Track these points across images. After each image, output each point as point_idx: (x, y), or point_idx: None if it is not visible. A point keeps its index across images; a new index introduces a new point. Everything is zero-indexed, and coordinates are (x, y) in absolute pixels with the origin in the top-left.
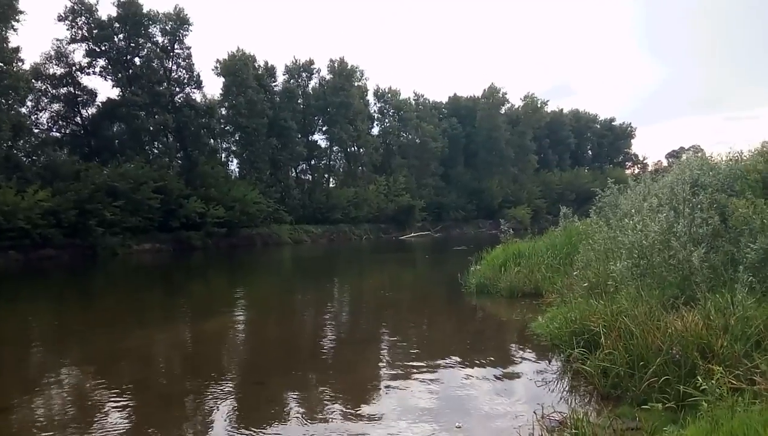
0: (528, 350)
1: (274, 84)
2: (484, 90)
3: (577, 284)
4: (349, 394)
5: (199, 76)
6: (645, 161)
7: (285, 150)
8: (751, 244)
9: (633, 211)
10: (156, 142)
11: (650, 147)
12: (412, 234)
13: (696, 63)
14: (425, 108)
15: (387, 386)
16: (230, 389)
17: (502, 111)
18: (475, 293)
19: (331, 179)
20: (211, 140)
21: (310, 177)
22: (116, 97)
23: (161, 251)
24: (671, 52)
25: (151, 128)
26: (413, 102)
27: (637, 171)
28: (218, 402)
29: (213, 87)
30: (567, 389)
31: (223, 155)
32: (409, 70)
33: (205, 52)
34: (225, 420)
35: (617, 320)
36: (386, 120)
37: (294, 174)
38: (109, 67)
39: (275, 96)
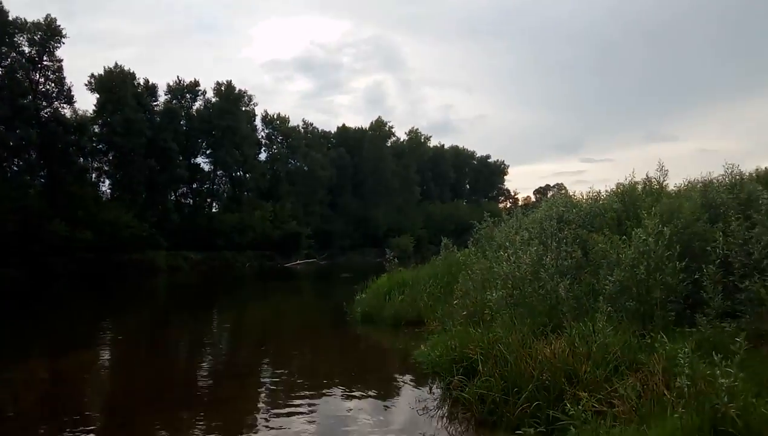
0: (410, 379)
1: (154, 103)
2: (372, 122)
3: (456, 313)
4: (223, 430)
5: (70, 91)
6: (516, 196)
7: (164, 172)
8: (609, 276)
9: (507, 243)
10: (16, 159)
11: (520, 184)
12: (298, 261)
13: (557, 110)
14: (314, 136)
15: (265, 421)
16: (90, 428)
17: (389, 143)
18: (359, 321)
19: (214, 204)
20: (81, 159)
21: (191, 201)
22: None
23: (15, 280)
24: (537, 99)
25: (12, 144)
26: (302, 130)
27: (509, 205)
28: None
29: (87, 103)
30: (446, 416)
31: (94, 175)
32: (297, 99)
33: (80, 66)
34: None
35: (493, 347)
36: (274, 146)
37: (173, 197)
38: None
39: (155, 116)
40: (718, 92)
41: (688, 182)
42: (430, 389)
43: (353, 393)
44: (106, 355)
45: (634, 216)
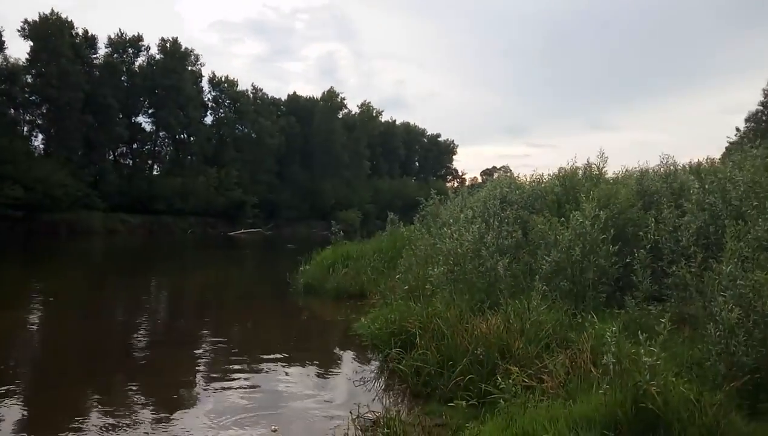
0: (349, 351)
1: (94, 56)
2: (324, 93)
3: (398, 287)
4: (158, 397)
5: (1, 36)
6: (464, 176)
7: (102, 129)
8: (546, 256)
9: (451, 220)
10: None
11: (468, 164)
12: (243, 231)
13: (507, 94)
14: (263, 103)
15: (203, 389)
16: (17, 396)
17: (340, 116)
18: (302, 293)
19: (155, 166)
20: (12, 110)
21: (131, 162)
22: None
23: None
24: (489, 81)
25: None
26: (251, 95)
27: (456, 185)
28: (1, 412)
29: (19, 51)
30: (383, 388)
31: (26, 129)
32: (247, 62)
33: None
34: (9, 432)
35: (432, 321)
36: (221, 110)
37: (112, 157)
38: None
39: (94, 69)
40: (659, 86)
41: (626, 170)
42: (369, 360)
43: (291, 363)
44: (34, 317)
45: (574, 200)
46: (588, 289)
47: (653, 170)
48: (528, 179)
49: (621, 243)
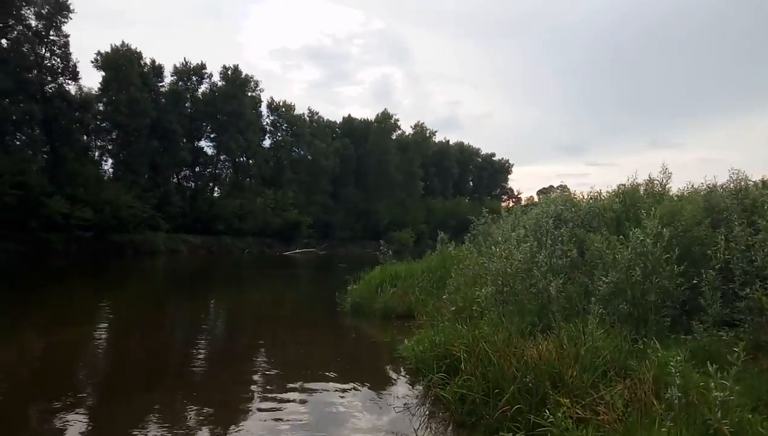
0: (393, 374)
1: (160, 84)
2: (378, 114)
3: (445, 308)
4: (212, 414)
5: (76, 67)
6: (519, 196)
7: (167, 154)
8: (603, 277)
9: (501, 239)
10: (19, 134)
11: (524, 184)
12: (297, 250)
13: (564, 112)
14: (319, 126)
15: (251, 411)
16: (82, 406)
17: (393, 136)
18: (350, 313)
19: (216, 189)
20: (84, 137)
21: (193, 184)
22: None
23: (14, 253)
24: (544, 100)
25: (15, 118)
26: (307, 118)
27: (512, 204)
28: (67, 421)
29: (92, 81)
30: (426, 415)
31: (97, 154)
32: (304, 88)
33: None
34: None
35: (478, 345)
36: (278, 134)
37: (176, 180)
38: None
39: (161, 97)
40: (724, 103)
41: (692, 187)
42: (413, 385)
43: (333, 389)
44: (101, 332)
45: (634, 217)
46: (650, 312)
47: (722, 186)
48: (585, 197)
49: (687, 263)
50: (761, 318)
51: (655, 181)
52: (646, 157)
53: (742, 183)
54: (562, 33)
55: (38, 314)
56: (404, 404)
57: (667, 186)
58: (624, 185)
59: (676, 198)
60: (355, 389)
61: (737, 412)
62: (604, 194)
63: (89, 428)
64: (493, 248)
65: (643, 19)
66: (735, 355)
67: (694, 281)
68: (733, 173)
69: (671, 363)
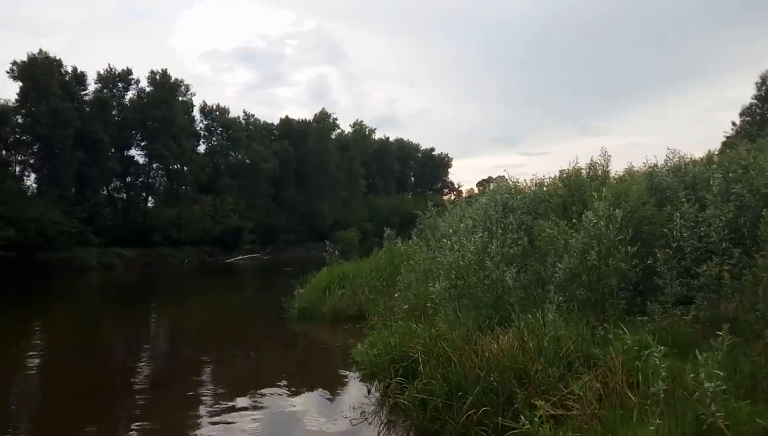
0: (347, 381)
1: (83, 93)
2: (316, 114)
3: (397, 307)
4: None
5: None
6: (460, 189)
7: (95, 165)
8: (558, 263)
9: (451, 231)
10: None
11: (464, 177)
12: (240, 257)
13: (499, 105)
14: (256, 128)
15: (196, 431)
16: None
17: (333, 136)
18: (297, 318)
19: (150, 198)
20: (3, 151)
21: (125, 195)
22: None
23: None
24: (480, 94)
25: None
26: (243, 121)
27: (453, 197)
28: None
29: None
30: (384, 424)
31: (17, 169)
32: (238, 91)
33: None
34: None
35: (436, 344)
36: (213, 138)
37: (106, 192)
38: None
39: (85, 106)
40: (649, 88)
41: (629, 171)
42: (369, 391)
43: (284, 402)
44: (33, 358)
45: (580, 201)
46: (607, 297)
47: (662, 167)
48: (529, 184)
49: (639, 244)
50: (719, 294)
51: (597, 165)
52: (578, 144)
53: (680, 161)
54: (494, 27)
55: None
56: (361, 413)
57: (607, 169)
58: (566, 171)
59: (617, 181)
60: (307, 399)
61: (732, 404)
62: (547, 181)
63: None
64: (443, 241)
65: (571, 9)
66: (720, 339)
67: (649, 261)
68: (670, 153)
69: (655, 354)
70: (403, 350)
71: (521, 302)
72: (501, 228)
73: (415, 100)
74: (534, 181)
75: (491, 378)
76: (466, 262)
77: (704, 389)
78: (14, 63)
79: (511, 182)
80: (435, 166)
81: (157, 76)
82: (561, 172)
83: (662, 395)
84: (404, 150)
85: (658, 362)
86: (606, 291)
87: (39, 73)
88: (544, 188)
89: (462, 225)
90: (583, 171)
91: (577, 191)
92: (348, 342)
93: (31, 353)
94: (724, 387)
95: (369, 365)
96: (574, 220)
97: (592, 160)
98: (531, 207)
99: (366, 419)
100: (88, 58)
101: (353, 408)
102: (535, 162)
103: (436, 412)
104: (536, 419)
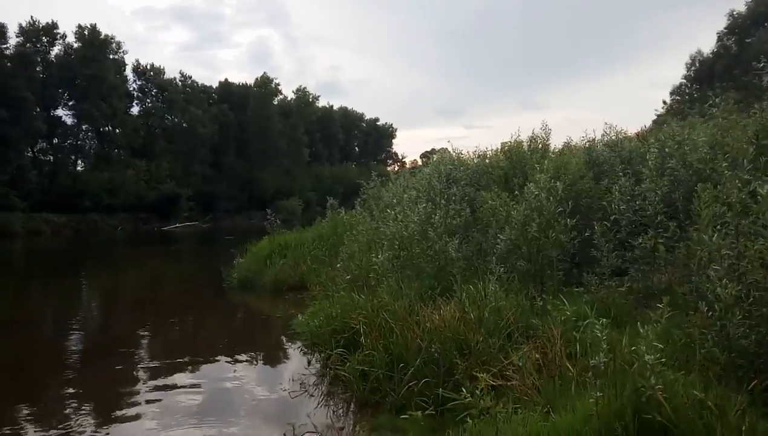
0: (287, 353)
1: (4, 46)
2: (257, 78)
3: (339, 277)
4: (97, 409)
5: None
6: (404, 160)
7: (18, 124)
8: (500, 235)
9: (395, 201)
10: None
11: (408, 148)
12: (177, 225)
13: (443, 77)
14: (193, 91)
15: (133, 403)
16: None
17: (275, 102)
18: (237, 288)
19: (79, 162)
20: None
21: (52, 157)
22: None
23: None
24: (424, 65)
25: None
26: (179, 83)
27: (397, 168)
28: None
29: None
30: (324, 396)
31: None
32: (174, 50)
33: None
34: None
35: (377, 315)
36: (148, 100)
37: (30, 153)
38: None
39: (5, 60)
40: (588, 65)
41: (569, 145)
42: (309, 363)
43: (221, 373)
44: None
45: (521, 174)
46: (547, 268)
47: (599, 141)
48: (471, 156)
49: (578, 217)
50: (652, 266)
51: (538, 138)
52: (519, 119)
53: (616, 136)
54: None
55: None
56: (300, 385)
57: (547, 142)
58: (508, 143)
59: (557, 154)
60: (247, 371)
61: (671, 378)
62: (489, 153)
63: None
64: (387, 211)
65: None
66: (659, 311)
67: (587, 234)
68: (607, 128)
69: (597, 326)
70: (344, 321)
71: (463, 273)
72: (444, 199)
73: (359, 68)
74: (477, 153)
75: (432, 349)
76: (409, 232)
77: (644, 362)
78: None
79: (454, 154)
80: (379, 136)
81: (86, 32)
82: (503, 144)
83: (602, 367)
84: (348, 119)
85: (599, 335)
86: (545, 263)
87: None
88: (487, 160)
89: (405, 196)
90: (525, 144)
91: (518, 164)
92: (289, 313)
93: None
94: (663, 360)
95: (310, 336)
96: (516, 192)
97: (533, 133)
98: (474, 179)
99: (306, 390)
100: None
101: (293, 380)
102: (478, 135)
103: (377, 383)
104: (477, 391)
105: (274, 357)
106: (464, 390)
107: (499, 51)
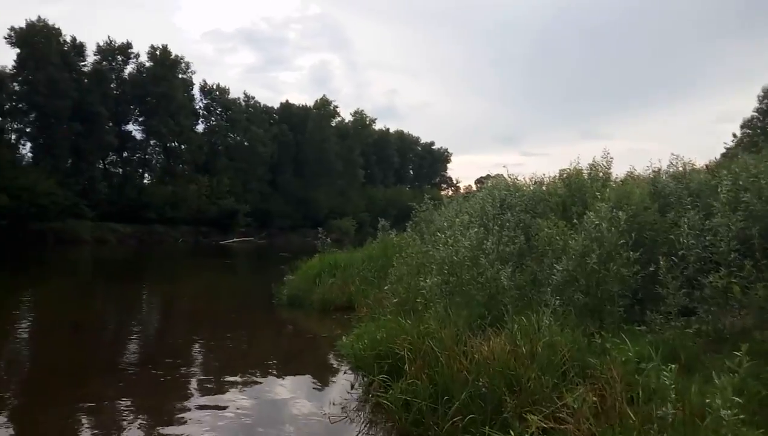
0: (331, 375)
1: (82, 64)
2: (316, 101)
3: (387, 300)
4: (152, 414)
5: None
6: (458, 185)
7: (91, 138)
8: (556, 265)
9: (446, 224)
10: None
11: (463, 173)
12: (234, 239)
13: (501, 103)
14: (255, 111)
15: (184, 409)
16: (4, 410)
17: (333, 124)
18: (286, 305)
19: (146, 175)
20: None
21: (121, 170)
22: None
23: None
24: (482, 91)
25: None
26: (243, 103)
27: (451, 193)
28: None
29: (6, 59)
30: (366, 424)
31: (13, 137)
32: (240, 72)
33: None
34: None
35: (423, 342)
36: (212, 118)
37: (101, 165)
38: None
39: (83, 77)
40: (653, 95)
41: (632, 174)
42: (352, 386)
43: (261, 394)
44: (21, 332)
45: (581, 202)
46: (606, 303)
47: (665, 172)
48: (528, 182)
49: (642, 250)
50: (725, 307)
51: (599, 166)
52: (578, 147)
53: (684, 168)
54: (500, 24)
55: None
56: (342, 408)
57: (609, 171)
58: (567, 170)
59: (619, 184)
60: (290, 390)
61: (741, 430)
62: (546, 180)
63: (12, 433)
64: (437, 234)
65: (576, 10)
66: (737, 360)
67: (651, 269)
68: (673, 159)
69: (665, 372)
70: (389, 345)
71: (515, 303)
72: (497, 225)
73: (416, 93)
74: (533, 179)
75: (480, 383)
76: (459, 257)
77: (718, 416)
78: (12, 29)
79: (509, 179)
80: (434, 160)
81: (158, 52)
82: (561, 171)
83: (670, 419)
84: (404, 142)
85: (667, 381)
86: (605, 297)
87: (37, 40)
88: (543, 187)
89: (458, 220)
90: (585, 172)
91: (577, 192)
92: (335, 333)
93: (20, 326)
94: (742, 416)
95: (354, 359)
96: (574, 221)
97: (594, 161)
98: (529, 205)
99: (347, 415)
100: (87, 29)
101: (334, 404)
102: (534, 162)
103: (420, 415)
104: (527, 434)
105: (318, 378)
106: (512, 432)
107: (559, 78)
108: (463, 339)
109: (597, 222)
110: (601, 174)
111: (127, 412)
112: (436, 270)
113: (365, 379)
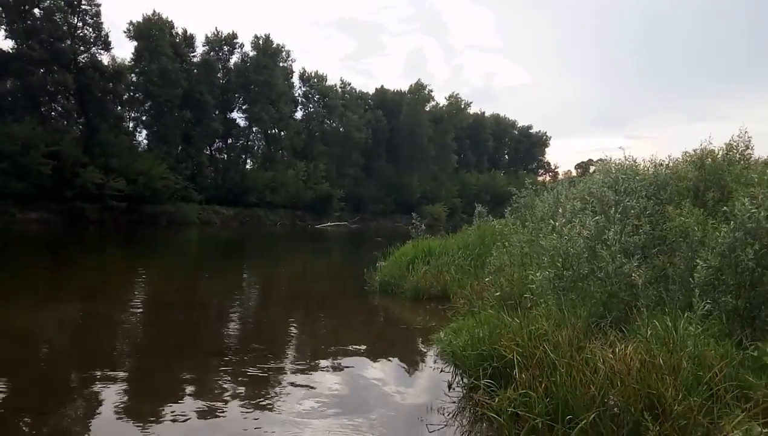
0: (425, 371)
1: (192, 54)
2: (411, 85)
3: (488, 292)
4: (253, 382)
5: (108, 37)
6: (556, 170)
7: (199, 125)
8: (698, 260)
9: (560, 211)
10: (54, 104)
11: (561, 158)
12: (329, 224)
13: (602, 84)
14: (351, 97)
15: (281, 383)
16: (120, 375)
17: (427, 108)
18: (378, 292)
19: (248, 160)
20: (118, 107)
21: (226, 156)
22: (9, 50)
23: (49, 223)
24: (582, 72)
25: (50, 87)
26: (339, 89)
27: (548, 179)
28: (105, 389)
29: (124, 51)
30: (466, 432)
31: (131, 125)
32: (337, 59)
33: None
34: (111, 408)
35: (536, 346)
36: (310, 105)
37: (208, 151)
38: (3, 16)
39: (192, 67)
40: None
41: None
42: (450, 387)
43: (359, 381)
44: (135, 305)
45: (717, 187)
46: (762, 307)
47: None
48: (648, 164)
49: None
50: None
51: (737, 146)
52: (687, 129)
53: None
54: (599, 3)
55: (75, 283)
56: (438, 411)
57: (748, 153)
58: (691, 152)
59: (761, 166)
60: (384, 386)
61: None
62: (668, 163)
63: (125, 397)
64: (551, 221)
65: None
66: None
67: None
68: None
69: None
70: (493, 346)
71: (651, 303)
72: (619, 212)
73: (513, 75)
74: (652, 161)
75: (611, 402)
76: (577, 249)
77: None
78: (130, 23)
79: (628, 161)
80: (531, 144)
81: (260, 41)
82: (684, 153)
83: None
84: (500, 126)
85: None
86: (761, 301)
87: (152, 33)
88: (666, 170)
89: (568, 206)
90: (720, 151)
91: (712, 174)
92: (429, 325)
93: (135, 299)
94: None
95: (452, 357)
96: (712, 208)
97: (732, 139)
98: (652, 191)
99: (446, 423)
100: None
101: (431, 409)
102: (640, 146)
103: (534, 433)
104: None
105: (413, 373)
106: None
107: (663, 59)
108: (584, 344)
109: (753, 210)
110: (738, 156)
111: (227, 384)
112: (547, 262)
113: (465, 381)
